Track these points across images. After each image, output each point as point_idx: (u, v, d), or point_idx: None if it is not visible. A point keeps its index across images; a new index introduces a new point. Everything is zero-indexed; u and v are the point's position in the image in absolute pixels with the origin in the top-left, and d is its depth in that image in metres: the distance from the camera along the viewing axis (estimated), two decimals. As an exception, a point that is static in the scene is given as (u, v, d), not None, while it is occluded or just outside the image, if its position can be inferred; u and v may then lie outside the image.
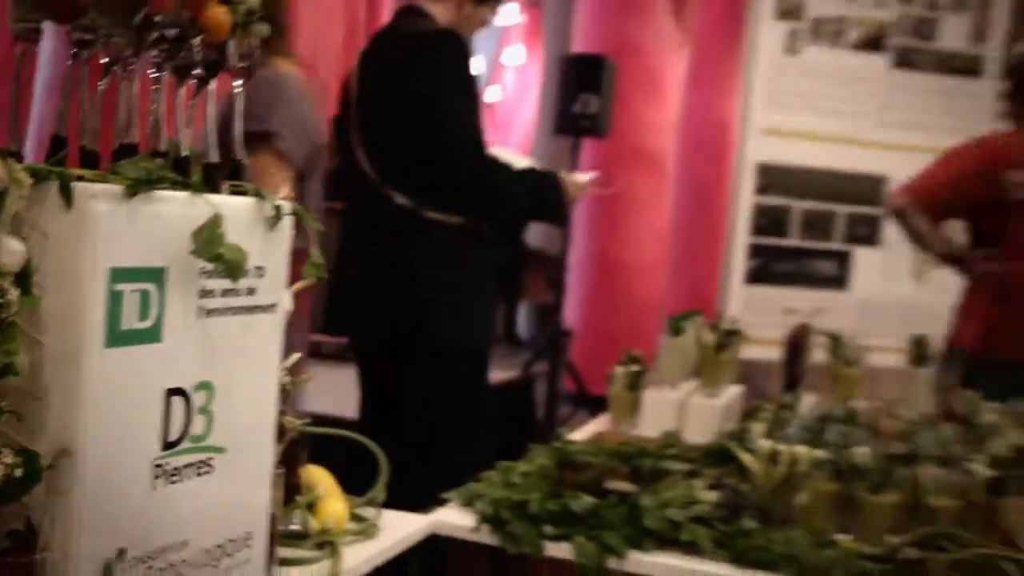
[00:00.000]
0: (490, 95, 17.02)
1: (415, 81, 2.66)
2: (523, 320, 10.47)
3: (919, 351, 2.63)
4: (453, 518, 1.72)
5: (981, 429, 2.11)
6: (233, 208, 1.03)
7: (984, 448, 1.91)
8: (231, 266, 0.98)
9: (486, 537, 1.67)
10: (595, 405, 2.42)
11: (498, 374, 4.87)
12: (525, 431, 4.60)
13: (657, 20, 7.13)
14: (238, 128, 1.09)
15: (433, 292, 2.68)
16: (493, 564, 1.71)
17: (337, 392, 3.43)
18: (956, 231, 3.71)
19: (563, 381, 5.90)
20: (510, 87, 16.11)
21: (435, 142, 2.65)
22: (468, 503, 1.74)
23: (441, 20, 2.81)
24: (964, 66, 5.02)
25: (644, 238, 7.21)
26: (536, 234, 10.17)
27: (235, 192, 1.07)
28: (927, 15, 4.97)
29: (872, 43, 4.94)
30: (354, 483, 1.63)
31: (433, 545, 1.71)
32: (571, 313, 6.80)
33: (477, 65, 2.86)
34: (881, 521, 1.65)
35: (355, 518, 1.58)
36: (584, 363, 6.23)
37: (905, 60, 4.96)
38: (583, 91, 5.55)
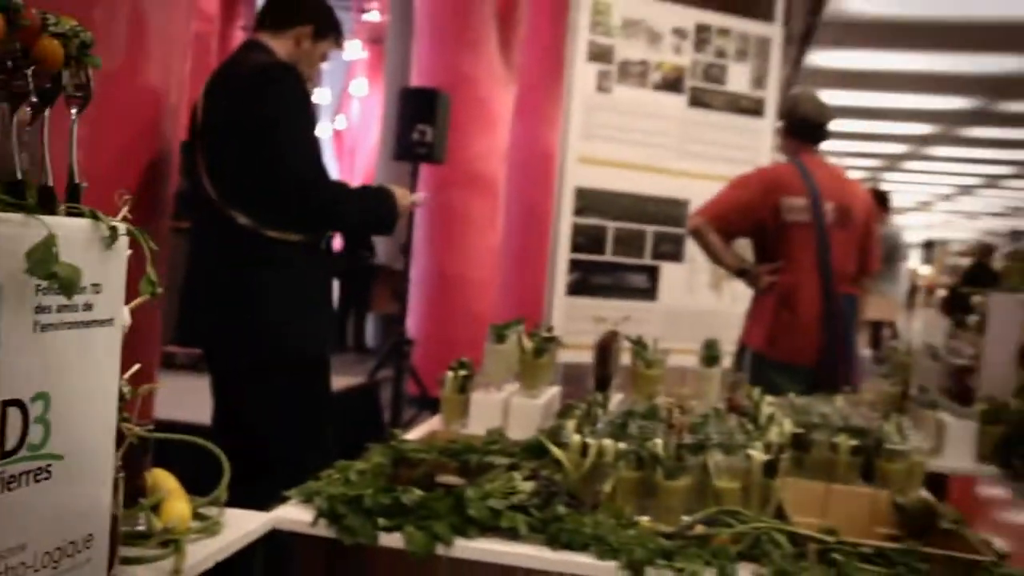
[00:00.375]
0: (337, 123, 16.86)
1: (255, 110, 2.62)
2: (371, 330, 10.40)
3: (709, 352, 2.71)
4: (293, 514, 1.69)
5: (760, 419, 2.20)
6: (69, 229, 0.99)
7: (762, 436, 1.99)
8: (65, 284, 0.94)
9: (324, 530, 1.65)
10: (436, 407, 2.42)
11: (348, 379, 4.82)
12: (372, 432, 4.56)
13: (487, 58, 7.20)
14: (74, 154, 1.05)
15: (276, 307, 2.64)
16: (331, 555, 1.69)
17: (192, 400, 3.34)
18: (744, 248, 3.86)
19: (407, 385, 5.89)
20: (355, 116, 16.01)
21: (276, 167, 2.61)
22: (308, 499, 1.71)
23: (281, 55, 2.78)
24: (748, 106, 5.26)
25: (478, 255, 7.26)
26: (382, 252, 10.13)
27: (72, 214, 1.03)
28: (717, 62, 5.18)
29: (672, 84, 5.11)
30: (208, 487, 1.59)
31: (276, 540, 1.68)
32: (413, 323, 6.80)
33: (317, 95, 2.82)
34: (675, 503, 1.69)
35: (199, 517, 1.54)
36: (425, 368, 6.23)
37: (700, 100, 5.15)
38: (420, 121, 5.55)
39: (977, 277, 9.97)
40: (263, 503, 1.69)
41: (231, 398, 2.81)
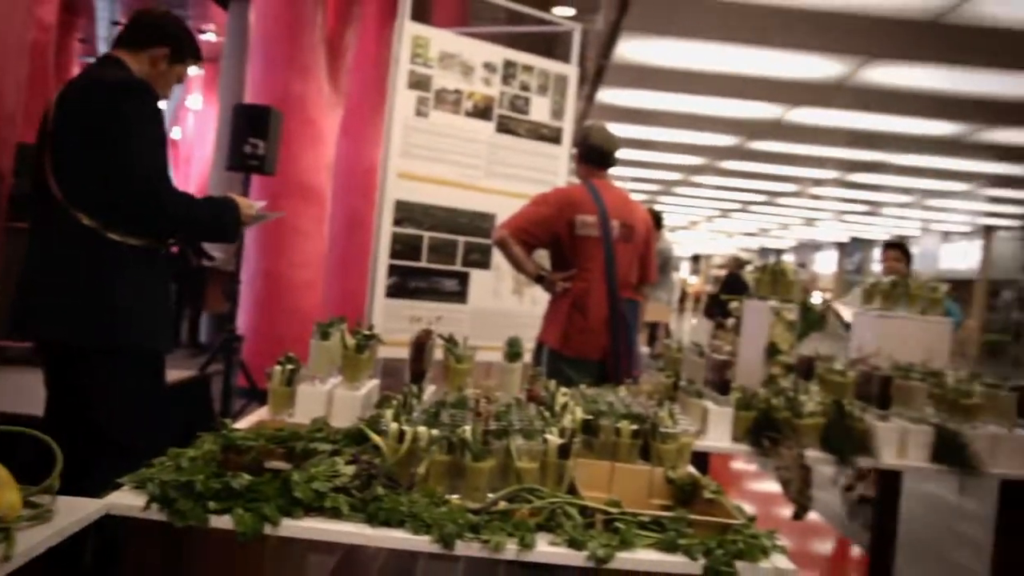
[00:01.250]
0: (173, 134, 16.13)
1: (110, 121, 2.46)
2: (204, 327, 10.00)
3: (512, 349, 2.73)
4: (126, 499, 1.59)
5: (556, 408, 2.24)
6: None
7: (557, 422, 2.03)
8: None
9: (156, 514, 1.56)
10: (264, 398, 2.34)
11: (181, 372, 4.60)
12: (203, 422, 4.37)
13: (316, 81, 7.08)
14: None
15: (116, 305, 2.48)
16: (164, 539, 1.61)
17: (24, 393, 3.10)
18: (543, 258, 3.93)
19: (236, 378, 5.68)
20: (190, 128, 15.35)
21: (128, 179, 2.46)
22: (141, 485, 1.62)
23: (137, 72, 2.62)
24: (549, 135, 5.39)
25: (305, 259, 7.11)
26: (215, 255, 9.75)
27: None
28: (521, 94, 5.29)
29: (482, 112, 5.18)
30: (44, 477, 1.47)
31: (110, 525, 1.58)
32: (244, 321, 6.58)
33: (163, 109, 2.66)
34: (482, 482, 1.70)
35: (31, 505, 1.43)
36: (254, 363, 6.03)
37: (506, 127, 5.25)
38: (253, 135, 5.37)
39: (732, 286, 10.55)
40: (99, 491, 1.59)
41: (67, 390, 2.62)
